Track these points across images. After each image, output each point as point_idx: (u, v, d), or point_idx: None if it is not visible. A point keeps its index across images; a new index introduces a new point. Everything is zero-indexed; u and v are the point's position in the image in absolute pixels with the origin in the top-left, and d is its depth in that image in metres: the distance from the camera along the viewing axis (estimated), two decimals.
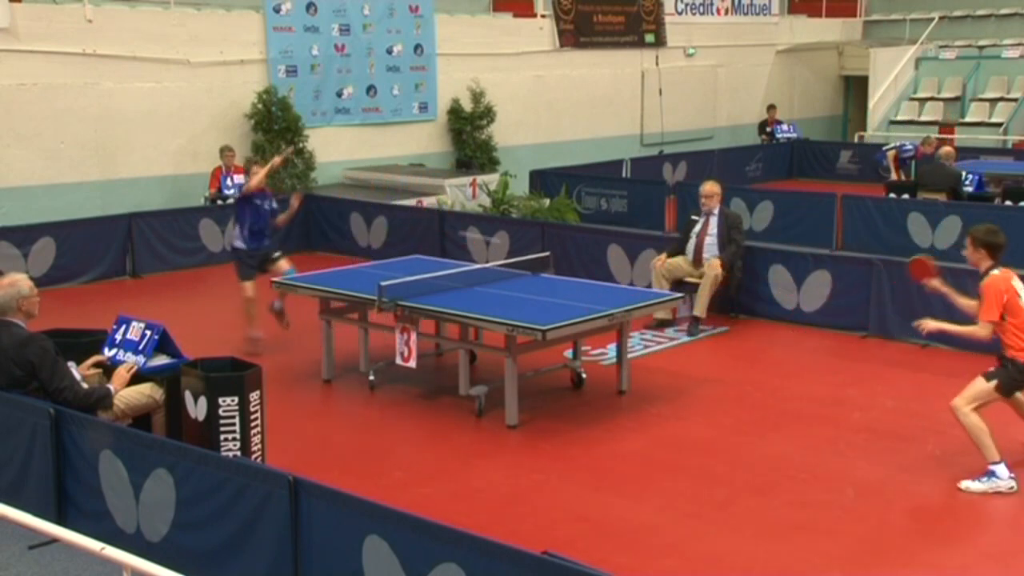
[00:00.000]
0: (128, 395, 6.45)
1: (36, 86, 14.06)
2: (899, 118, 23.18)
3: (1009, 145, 20.79)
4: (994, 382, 6.72)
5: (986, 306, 6.71)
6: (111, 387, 6.40)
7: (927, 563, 5.83)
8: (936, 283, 7.30)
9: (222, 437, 6.17)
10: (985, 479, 6.68)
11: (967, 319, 7.17)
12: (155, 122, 15.21)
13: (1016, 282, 6.77)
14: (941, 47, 24.41)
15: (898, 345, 9.87)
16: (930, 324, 7.14)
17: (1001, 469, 6.67)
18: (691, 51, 22.82)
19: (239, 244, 10.13)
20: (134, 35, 14.93)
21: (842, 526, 6.22)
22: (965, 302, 7.18)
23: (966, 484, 6.71)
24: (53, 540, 5.10)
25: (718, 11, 23.56)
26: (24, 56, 13.92)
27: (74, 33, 14.38)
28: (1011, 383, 6.76)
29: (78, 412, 6.06)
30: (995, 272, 6.77)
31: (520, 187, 16.65)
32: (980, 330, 6.78)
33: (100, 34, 14.61)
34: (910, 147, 17.45)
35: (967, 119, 22.47)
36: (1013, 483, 6.65)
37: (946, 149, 15.06)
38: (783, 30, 25.11)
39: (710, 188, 10.65)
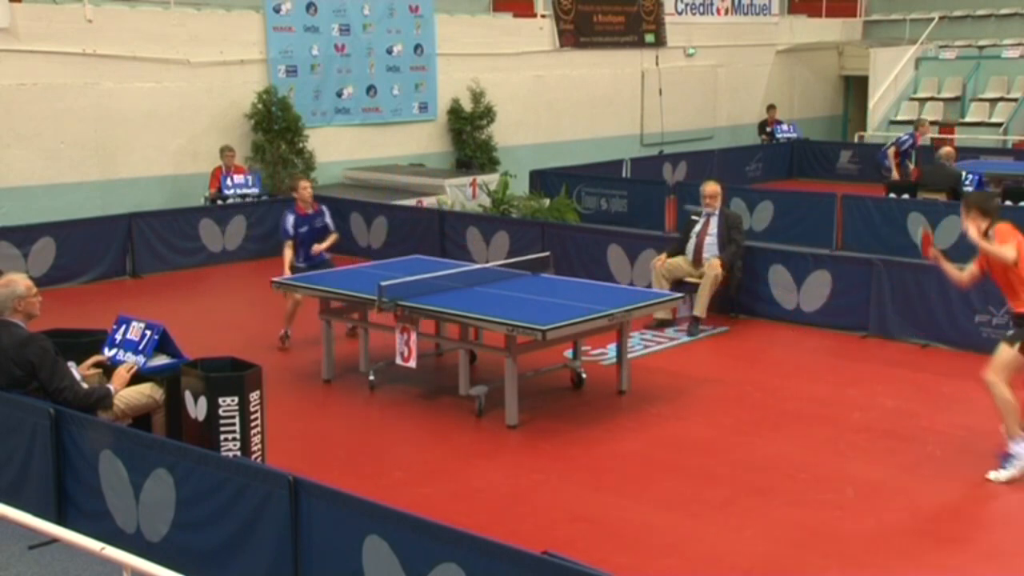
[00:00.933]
0: (128, 395, 6.44)
1: (36, 86, 14.07)
2: (899, 118, 23.20)
3: (1009, 145, 20.80)
4: (1017, 344, 6.69)
5: (1007, 241, 6.70)
6: (111, 387, 6.39)
7: (926, 563, 5.82)
8: (934, 252, 7.36)
9: (222, 437, 6.17)
10: (1007, 465, 6.72)
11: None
12: (155, 122, 15.22)
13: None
14: (941, 47, 24.42)
15: (898, 345, 9.88)
16: (934, 251, 7.31)
17: (1018, 447, 6.69)
18: (691, 51, 22.82)
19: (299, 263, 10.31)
20: (134, 35, 14.94)
21: (841, 526, 6.22)
22: (957, 273, 7.26)
23: (993, 475, 6.74)
24: (53, 540, 5.10)
25: (718, 11, 23.56)
26: (24, 56, 13.92)
27: (74, 33, 14.39)
28: None
29: (78, 412, 6.05)
30: (999, 223, 6.85)
31: (520, 187, 16.64)
32: (1006, 252, 6.66)
33: (100, 34, 14.62)
34: (907, 137, 17.46)
35: (967, 119, 22.47)
36: None
37: (946, 149, 15.06)
38: (783, 30, 25.11)
39: (712, 189, 10.65)
